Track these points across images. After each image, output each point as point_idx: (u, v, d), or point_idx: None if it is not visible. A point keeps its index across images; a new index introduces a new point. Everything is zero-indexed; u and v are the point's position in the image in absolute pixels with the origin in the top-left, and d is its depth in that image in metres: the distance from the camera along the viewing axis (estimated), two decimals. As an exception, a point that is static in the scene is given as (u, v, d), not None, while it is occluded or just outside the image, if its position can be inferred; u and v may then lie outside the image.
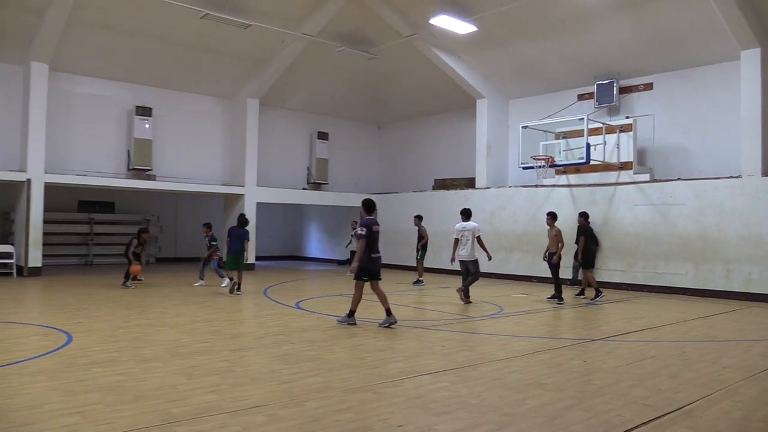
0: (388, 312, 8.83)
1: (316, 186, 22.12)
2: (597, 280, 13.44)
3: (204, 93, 19.87)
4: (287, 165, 21.85)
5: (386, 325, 8.75)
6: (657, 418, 4.73)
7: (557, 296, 12.41)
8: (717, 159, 14.70)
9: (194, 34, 17.01)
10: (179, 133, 19.41)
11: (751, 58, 13.34)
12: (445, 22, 15.41)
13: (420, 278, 15.79)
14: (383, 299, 8.90)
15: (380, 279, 9.00)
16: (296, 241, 26.85)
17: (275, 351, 6.99)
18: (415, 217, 16.30)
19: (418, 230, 15.91)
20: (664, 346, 7.80)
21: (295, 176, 22.02)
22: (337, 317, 9.29)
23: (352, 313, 8.95)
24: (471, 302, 11.79)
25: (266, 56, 18.68)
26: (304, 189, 21.75)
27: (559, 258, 12.37)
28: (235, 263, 12.97)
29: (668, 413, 4.85)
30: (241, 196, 19.57)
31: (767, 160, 13.27)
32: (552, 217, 12.66)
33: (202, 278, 14.49)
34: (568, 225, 16.02)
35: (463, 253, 11.76)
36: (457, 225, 12.06)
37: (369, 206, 9.12)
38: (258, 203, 19.89)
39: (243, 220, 13.39)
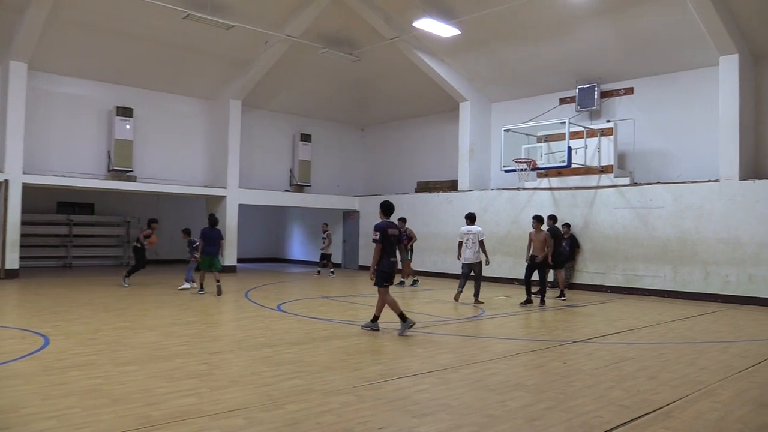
0: (402, 317, 8.44)
1: (299, 188, 22.06)
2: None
3: (186, 94, 19.74)
4: (270, 167, 21.77)
5: (403, 332, 8.37)
6: (635, 419, 4.78)
7: (541, 298, 12.41)
8: (696, 163, 14.90)
9: (176, 35, 16.90)
10: (160, 134, 19.27)
11: (729, 63, 13.54)
12: (429, 25, 15.46)
13: (415, 278, 16.26)
14: (393, 305, 8.52)
15: (385, 286, 8.59)
16: (278, 244, 26.75)
17: (255, 354, 6.95)
18: (398, 219, 16.31)
19: (405, 232, 15.92)
20: (643, 348, 7.89)
21: (278, 178, 21.94)
22: (361, 323, 9.01)
23: (375, 319, 8.67)
24: (483, 302, 12.26)
25: (249, 57, 18.61)
26: (286, 191, 21.68)
27: (548, 261, 12.31)
28: (209, 265, 12.98)
29: (646, 414, 4.90)
30: (222, 197, 19.46)
31: (745, 165, 13.49)
32: (539, 220, 12.47)
33: (187, 281, 14.35)
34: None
35: (468, 255, 12.24)
36: (462, 228, 12.49)
37: (386, 208, 8.80)
38: (240, 205, 19.79)
39: (213, 220, 13.38)
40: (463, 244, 12.28)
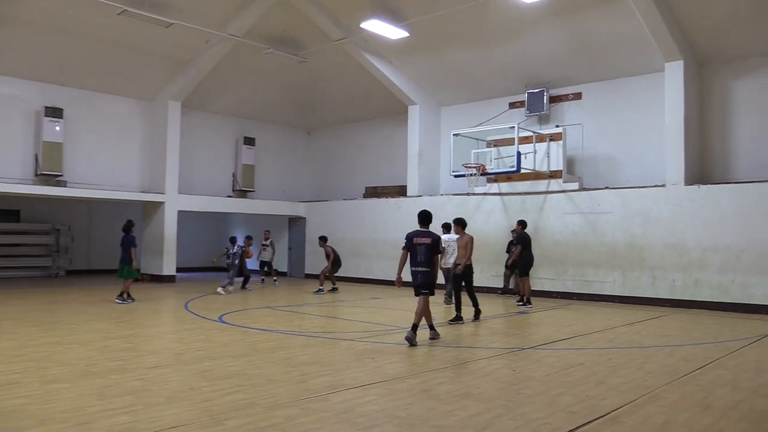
0: (414, 327, 8.61)
1: (242, 193, 21.79)
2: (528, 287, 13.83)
3: (122, 94, 19.24)
4: (211, 171, 21.43)
5: (408, 336, 8.55)
6: (584, 425, 4.90)
7: (459, 315, 11.06)
8: (643, 168, 15.42)
9: (112, 31, 16.48)
10: (94, 136, 18.70)
11: (674, 70, 14.09)
12: (377, 26, 15.55)
13: (320, 287, 16.56)
14: (419, 314, 8.72)
15: (422, 293, 8.75)
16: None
17: (195, 368, 6.83)
18: (319, 238, 17.46)
19: (324, 250, 16.79)
20: (592, 354, 8.10)
21: (220, 183, 21.62)
22: (405, 334, 8.76)
23: (415, 327, 8.62)
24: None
25: (190, 57, 18.31)
26: (229, 197, 21.39)
27: (467, 269, 11.23)
28: (120, 272, 13.33)
29: (594, 420, 5.04)
30: (161, 203, 19.04)
31: (690, 170, 14.04)
32: (460, 224, 11.49)
33: (231, 283, 16.03)
34: (500, 233, 16.49)
35: (451, 260, 12.36)
36: (444, 236, 12.52)
37: (421, 217, 9.04)
38: (180, 211, 19.42)
39: (126, 226, 13.43)
40: (446, 251, 12.20)
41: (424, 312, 8.73)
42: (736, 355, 8.08)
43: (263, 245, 18.81)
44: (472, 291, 11.41)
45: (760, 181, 13.02)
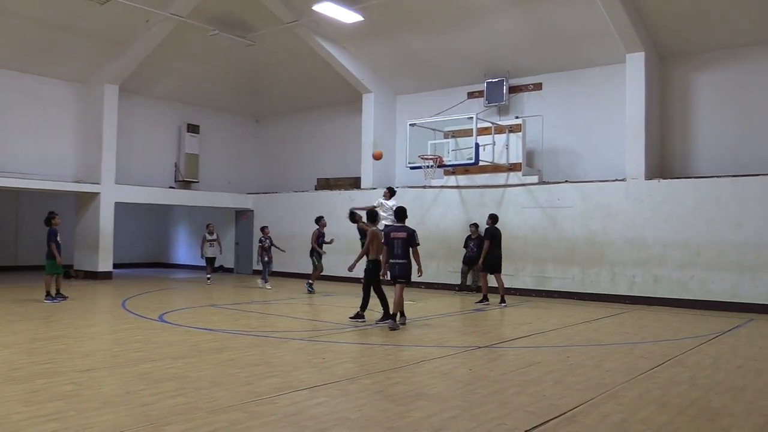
0: (393, 316, 10.06)
1: (185, 184, 21.42)
2: (487, 285, 13.96)
3: (53, 76, 18.62)
4: (152, 160, 20.98)
5: (391, 326, 9.89)
6: (540, 424, 5.00)
7: (360, 313, 10.72)
8: (603, 162, 15.75)
9: (41, 9, 15.93)
10: (21, 121, 18.05)
11: (635, 61, 14.42)
12: (329, 9, 15.44)
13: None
14: (396, 303, 10.13)
15: (399, 282, 10.11)
16: (162, 247, 25.87)
17: (132, 370, 6.70)
18: (261, 228, 17.68)
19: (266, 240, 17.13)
20: (550, 352, 8.26)
21: (161, 173, 21.20)
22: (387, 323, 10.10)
23: (394, 315, 10.09)
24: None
25: (128, 37, 17.84)
26: (171, 188, 21.00)
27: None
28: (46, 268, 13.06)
29: (551, 419, 5.14)
30: (96, 195, 18.55)
31: (650, 164, 14.42)
32: (374, 220, 11.03)
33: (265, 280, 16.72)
34: (458, 227, 16.64)
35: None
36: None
37: (397, 213, 10.49)
38: (117, 203, 18.95)
39: (47, 218, 13.09)
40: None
41: (399, 300, 10.08)
42: (694, 352, 8.34)
43: (209, 240, 18.41)
44: (380, 289, 10.69)
45: (719, 176, 13.47)
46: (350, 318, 10.76)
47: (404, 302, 10.37)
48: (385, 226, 11.37)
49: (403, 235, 10.05)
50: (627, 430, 4.92)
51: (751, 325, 11.06)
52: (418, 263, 10.14)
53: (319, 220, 16.18)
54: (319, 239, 15.97)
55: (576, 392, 6.04)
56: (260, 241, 17.22)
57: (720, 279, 13.11)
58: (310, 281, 15.96)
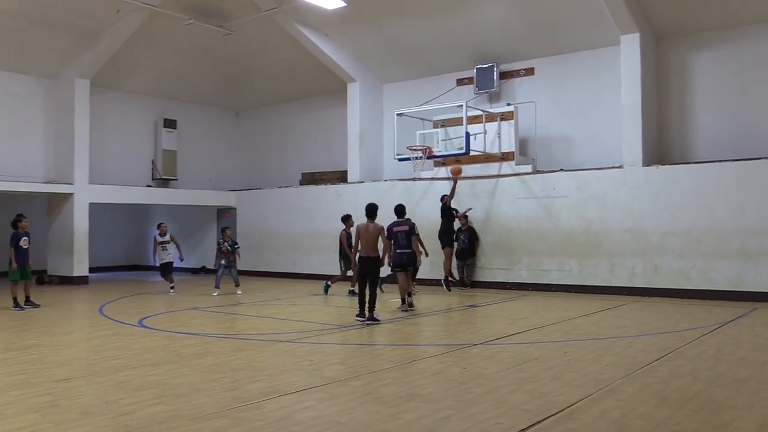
0: (403, 300, 11.89)
1: (164, 182, 21.36)
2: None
3: (19, 71, 18.47)
4: (127, 158, 20.88)
5: (403, 309, 11.80)
6: (537, 423, 5.04)
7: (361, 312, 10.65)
8: (599, 148, 15.81)
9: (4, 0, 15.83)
10: (-13, 119, 17.96)
11: (630, 43, 14.47)
12: (310, -6, 15.42)
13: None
14: (401, 288, 11.93)
15: (408, 271, 12.00)
16: (140, 249, 25.71)
17: (111, 378, 6.70)
18: (221, 229, 16.42)
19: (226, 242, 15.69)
20: (547, 347, 8.31)
21: (137, 171, 21.11)
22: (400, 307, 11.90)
23: (403, 301, 11.92)
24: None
25: (98, 28, 17.73)
26: (148, 186, 20.93)
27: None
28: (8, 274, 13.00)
29: (548, 417, 5.18)
30: (69, 195, 18.46)
31: (648, 150, 14.48)
32: (348, 219, 13.08)
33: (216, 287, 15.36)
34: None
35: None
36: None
37: (397, 210, 12.09)
38: (91, 204, 18.87)
39: (12, 221, 12.99)
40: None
41: (404, 285, 11.84)
42: (696, 344, 8.42)
43: (161, 243, 15.97)
44: (375, 288, 10.78)
45: (720, 161, 13.56)
46: (366, 324, 10.24)
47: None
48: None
49: (405, 228, 11.79)
50: (627, 426, 4.97)
51: (754, 314, 11.16)
52: (423, 247, 12.63)
53: (346, 220, 14.79)
54: (348, 240, 14.22)
55: (574, 388, 6.10)
56: (218, 243, 15.83)
57: (722, 267, 13.21)
58: (329, 282, 15.02)
